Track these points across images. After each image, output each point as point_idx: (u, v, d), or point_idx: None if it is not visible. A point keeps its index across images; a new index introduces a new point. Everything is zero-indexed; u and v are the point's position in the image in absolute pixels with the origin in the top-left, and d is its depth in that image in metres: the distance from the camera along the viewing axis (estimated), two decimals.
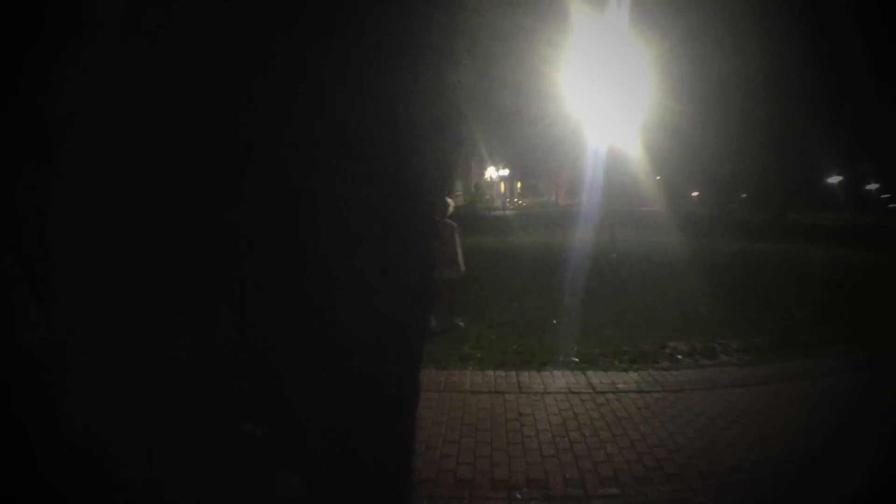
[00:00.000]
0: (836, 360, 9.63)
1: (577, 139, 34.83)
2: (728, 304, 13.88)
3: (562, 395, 8.03)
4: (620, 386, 8.40)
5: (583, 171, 39.21)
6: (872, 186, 52.22)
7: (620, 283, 16.64)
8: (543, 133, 38.85)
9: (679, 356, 9.91)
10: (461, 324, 11.74)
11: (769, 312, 13.09)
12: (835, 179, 46.56)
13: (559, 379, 8.70)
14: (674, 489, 5.56)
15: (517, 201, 71.28)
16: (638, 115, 28.80)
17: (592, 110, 26.94)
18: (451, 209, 11.59)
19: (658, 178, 44.53)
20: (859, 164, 41.95)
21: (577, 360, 9.64)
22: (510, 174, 64.09)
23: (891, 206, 51.79)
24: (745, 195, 56.89)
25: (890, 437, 6.35)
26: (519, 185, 74.07)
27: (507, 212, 56.25)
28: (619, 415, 7.37)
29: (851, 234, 29.80)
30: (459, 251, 11.44)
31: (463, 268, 11.62)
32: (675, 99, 30.84)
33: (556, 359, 9.63)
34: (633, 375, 8.87)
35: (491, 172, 64.38)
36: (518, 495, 5.50)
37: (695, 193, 63.84)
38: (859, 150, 37.75)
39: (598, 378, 8.73)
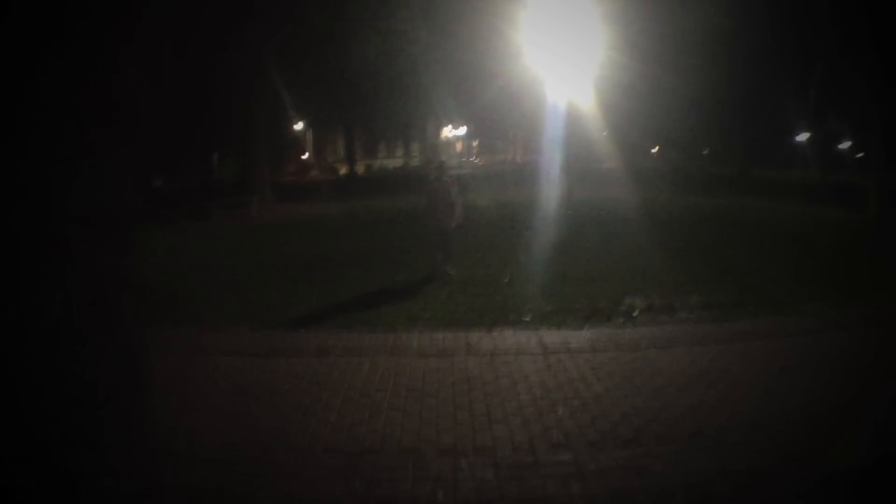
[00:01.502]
0: (807, 319, 9.22)
1: (533, 97, 34.40)
2: (689, 261, 13.56)
3: (511, 356, 7.62)
4: (573, 345, 8.00)
5: (540, 130, 38.81)
6: (845, 145, 52.09)
7: (576, 241, 16.27)
8: (500, 91, 38.26)
9: (635, 313, 9.52)
10: (451, 273, 12.26)
11: (733, 269, 12.78)
12: (803, 137, 46.28)
13: (509, 339, 8.30)
14: (630, 455, 5.16)
15: (474, 160, 70.45)
16: (595, 72, 28.45)
17: (549, 68, 26.57)
18: (448, 168, 13.23)
19: (617, 135, 44.24)
20: (829, 123, 41.60)
21: (528, 318, 9.21)
22: (467, 133, 63.39)
23: (858, 156, 51.62)
24: (706, 151, 56.83)
25: (867, 402, 6.00)
26: (475, 144, 73.23)
27: (464, 171, 55.48)
28: (571, 375, 6.97)
29: (820, 192, 29.34)
30: (457, 204, 12.40)
31: (461, 219, 12.61)
32: (633, 57, 30.38)
33: (506, 317, 9.23)
34: (586, 333, 8.49)
35: (448, 132, 63.63)
36: (464, 464, 5.06)
37: (655, 150, 63.55)
38: (829, 108, 37.44)
39: (550, 337, 8.35)
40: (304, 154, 59.87)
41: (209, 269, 13.51)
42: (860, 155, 48.88)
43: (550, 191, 27.41)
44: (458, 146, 71.59)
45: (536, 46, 26.85)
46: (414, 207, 20.50)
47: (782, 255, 14.03)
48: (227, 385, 6.87)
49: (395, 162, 65.25)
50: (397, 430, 5.71)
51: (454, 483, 4.81)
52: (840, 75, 31.36)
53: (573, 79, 27.16)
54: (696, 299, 10.19)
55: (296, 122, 47.38)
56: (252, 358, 7.81)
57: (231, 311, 9.88)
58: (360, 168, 57.04)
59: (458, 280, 11.86)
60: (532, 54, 28.41)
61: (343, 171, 55.01)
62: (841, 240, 17.34)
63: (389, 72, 37.57)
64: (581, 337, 8.32)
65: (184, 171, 39.00)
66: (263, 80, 30.66)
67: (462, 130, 61.92)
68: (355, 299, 10.70)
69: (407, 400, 6.39)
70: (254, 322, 9.34)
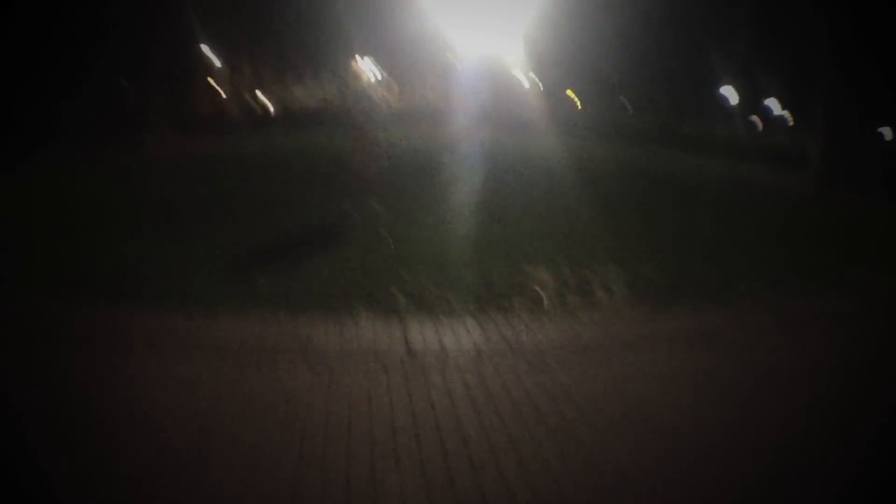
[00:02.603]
0: (760, 313, 7.02)
1: (449, 38, 32.70)
2: (612, 224, 11.20)
3: (359, 363, 5.25)
4: (449, 347, 5.65)
5: (457, 69, 36.89)
6: (774, 104, 50.84)
7: (486, 193, 13.80)
8: (411, 32, 36.17)
9: (541, 292, 7.21)
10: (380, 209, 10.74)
11: (664, 237, 10.57)
12: (729, 92, 44.56)
13: (365, 331, 5.94)
14: None
15: (387, 97, 67.15)
16: (525, 9, 27.10)
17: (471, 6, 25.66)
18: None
19: (539, 78, 42.25)
20: (758, 78, 39.97)
21: (399, 295, 6.86)
22: (377, 70, 60.23)
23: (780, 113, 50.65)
24: (622, 97, 54.95)
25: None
26: (389, 80, 70.28)
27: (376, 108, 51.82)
28: (435, 404, 4.61)
29: (750, 151, 27.32)
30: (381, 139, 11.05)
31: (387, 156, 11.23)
32: None
33: (370, 297, 6.85)
34: (469, 326, 6.13)
35: (360, 65, 60.37)
36: None
37: (569, 92, 61.40)
38: (758, 62, 35.88)
39: (420, 329, 6.00)
40: (215, 85, 56.04)
41: (57, 215, 11.26)
42: (785, 112, 47.92)
43: (465, 135, 25.34)
44: (369, 80, 68.50)
45: None
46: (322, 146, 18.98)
47: (719, 221, 12.01)
48: None
49: (310, 97, 62.31)
50: None
51: None
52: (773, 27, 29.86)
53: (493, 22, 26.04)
54: (618, 275, 7.99)
55: (206, 54, 44.12)
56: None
57: (35, 271, 7.69)
58: (270, 100, 54.21)
59: (330, 240, 9.55)
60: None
61: (259, 107, 51.87)
62: (783, 206, 15.31)
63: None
64: (462, 331, 6.00)
65: (95, 99, 36.19)
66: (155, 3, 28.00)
67: (371, 65, 59.07)
68: (201, 260, 8.25)
69: (138, 457, 3.96)
70: (54, 286, 7.11)
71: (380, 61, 53.37)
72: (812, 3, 19.27)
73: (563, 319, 6.43)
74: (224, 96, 54.27)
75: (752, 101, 43.32)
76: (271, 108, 49.75)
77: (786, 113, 47.22)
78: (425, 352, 5.49)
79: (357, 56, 50.51)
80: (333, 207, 11.39)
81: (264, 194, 13.23)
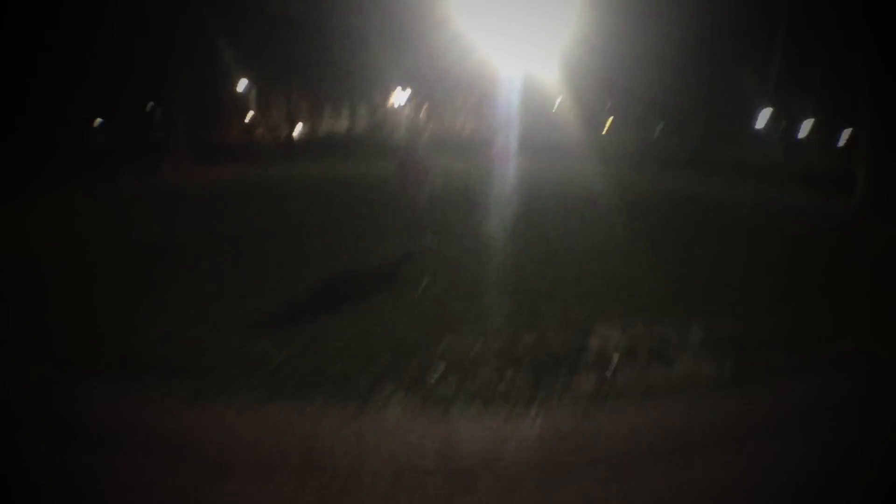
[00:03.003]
0: (859, 378, 5.61)
1: (482, 63, 31.73)
2: (670, 263, 9.90)
3: (385, 482, 3.80)
4: (505, 455, 4.10)
5: (492, 96, 36.09)
6: (804, 128, 49.91)
7: (524, 227, 12.48)
8: (445, 57, 35.36)
9: (614, 359, 5.79)
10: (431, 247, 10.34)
11: (725, 273, 9.27)
12: (764, 117, 43.33)
13: (386, 430, 4.46)
14: None
15: (424, 126, 66.15)
16: (558, 33, 26.51)
17: (504, 31, 24.84)
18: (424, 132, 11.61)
19: (574, 101, 41.28)
20: (791, 104, 38.95)
21: (434, 377, 5.43)
22: (413, 97, 59.07)
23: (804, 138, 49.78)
24: (662, 124, 53.62)
25: None
26: (425, 108, 69.13)
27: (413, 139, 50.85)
28: None
29: (789, 175, 25.88)
30: (431, 173, 10.50)
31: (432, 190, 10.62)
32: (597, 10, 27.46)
33: (398, 376, 5.41)
34: (533, 424, 4.54)
35: (395, 98, 59.50)
36: None
37: (608, 121, 60.22)
38: (792, 88, 34.90)
39: (464, 427, 4.46)
40: (248, 113, 55.39)
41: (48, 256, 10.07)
42: (813, 137, 46.86)
43: (502, 165, 24.19)
44: (406, 111, 67.68)
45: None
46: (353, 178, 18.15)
47: (784, 257, 10.67)
48: None
49: (342, 125, 61.83)
50: None
51: None
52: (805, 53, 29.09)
53: (530, 41, 25.75)
54: (697, 329, 6.59)
55: (237, 80, 43.71)
56: None
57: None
58: (304, 129, 53.93)
59: (355, 283, 8.34)
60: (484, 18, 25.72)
61: (284, 132, 51.28)
62: (836, 237, 13.70)
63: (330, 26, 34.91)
64: (520, 429, 4.46)
65: (127, 127, 36.20)
66: (185, 29, 27.27)
67: (406, 93, 57.82)
68: (194, 320, 6.87)
69: None
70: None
71: (415, 90, 52.84)
72: (845, 31, 18.91)
73: (641, 399, 4.96)
74: (254, 124, 53.87)
75: (784, 126, 42.49)
76: (302, 136, 49.26)
77: (817, 137, 46.23)
78: (467, 465, 4.02)
79: (392, 87, 50.00)
80: (362, 249, 10.20)
81: (283, 232, 12.01)
